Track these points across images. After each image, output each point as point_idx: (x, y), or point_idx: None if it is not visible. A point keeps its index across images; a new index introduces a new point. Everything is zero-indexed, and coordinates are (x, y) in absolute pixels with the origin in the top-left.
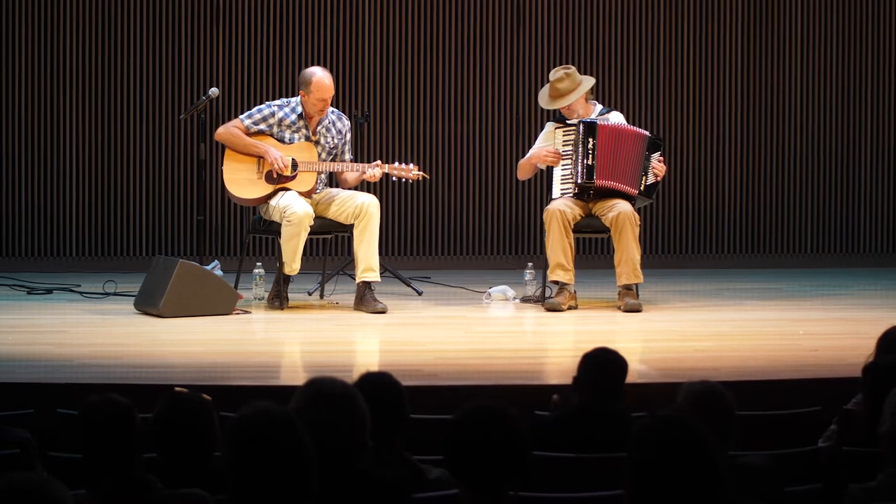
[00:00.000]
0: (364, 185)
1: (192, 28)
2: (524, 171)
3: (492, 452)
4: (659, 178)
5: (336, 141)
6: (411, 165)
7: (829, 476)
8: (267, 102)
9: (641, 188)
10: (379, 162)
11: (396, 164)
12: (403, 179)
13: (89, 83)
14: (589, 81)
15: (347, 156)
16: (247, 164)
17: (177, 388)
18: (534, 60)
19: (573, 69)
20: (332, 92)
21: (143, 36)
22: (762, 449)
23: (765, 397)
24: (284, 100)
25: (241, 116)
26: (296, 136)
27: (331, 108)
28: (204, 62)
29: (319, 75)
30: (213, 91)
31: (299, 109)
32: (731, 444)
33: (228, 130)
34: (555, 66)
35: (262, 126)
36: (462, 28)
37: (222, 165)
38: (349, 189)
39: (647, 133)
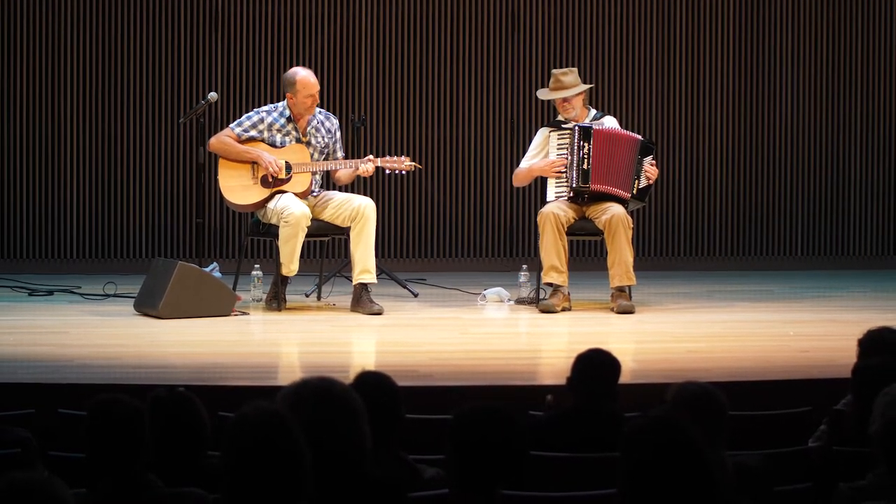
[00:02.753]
0: (360, 184)
1: (191, 33)
2: (521, 179)
3: (491, 452)
4: (651, 182)
5: (327, 140)
6: (403, 157)
7: (819, 475)
8: (255, 109)
9: (634, 192)
10: (371, 156)
11: (388, 156)
12: (397, 171)
13: (90, 88)
14: (588, 85)
15: (339, 154)
16: (241, 171)
17: (156, 391)
18: (528, 66)
19: (575, 70)
20: (318, 87)
21: (143, 41)
22: (753, 449)
23: (756, 398)
24: (272, 105)
25: (231, 125)
26: (286, 139)
27: (318, 109)
28: (203, 67)
29: (302, 73)
30: (212, 95)
31: (287, 112)
32: (722, 443)
33: (220, 140)
34: (549, 71)
35: (253, 132)
36: (457, 34)
37: (216, 175)
38: (343, 186)
39: (640, 137)
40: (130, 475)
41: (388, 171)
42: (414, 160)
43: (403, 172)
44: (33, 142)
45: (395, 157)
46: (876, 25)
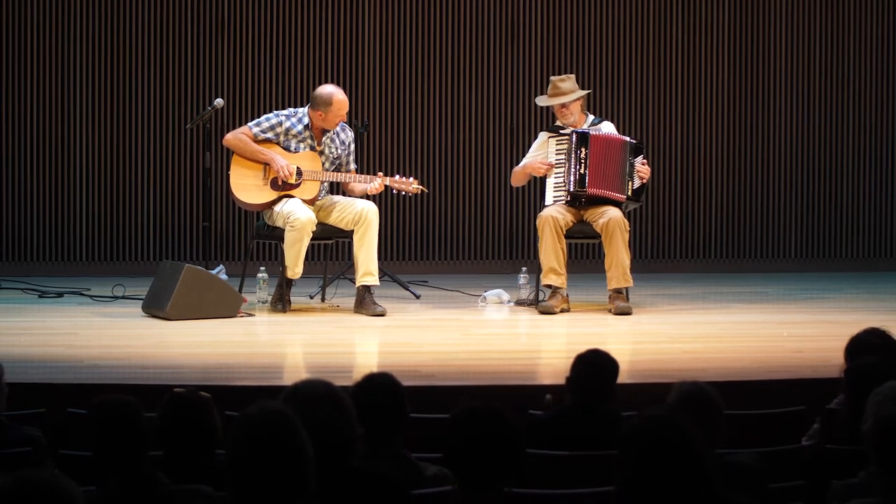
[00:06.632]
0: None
1: (199, 41)
2: (518, 178)
3: (488, 450)
4: (645, 181)
5: (340, 151)
6: (411, 179)
7: (812, 473)
8: (275, 112)
9: (629, 193)
10: (381, 174)
11: (397, 177)
12: (403, 192)
13: (99, 94)
14: (585, 91)
15: (352, 165)
16: (253, 171)
17: (176, 389)
18: (527, 72)
19: (573, 76)
20: (348, 107)
21: (151, 48)
22: (748, 447)
23: (751, 397)
24: (291, 110)
25: (249, 124)
26: (301, 145)
27: None
28: (209, 74)
29: (338, 94)
30: (219, 102)
31: (306, 121)
32: (719, 442)
33: (236, 136)
34: (548, 78)
35: (270, 134)
36: (458, 41)
37: (229, 170)
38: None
39: (629, 139)
40: (137, 473)
41: (394, 191)
42: (415, 166)
43: (409, 194)
44: (43, 147)
45: (404, 179)
46: (870, 31)
